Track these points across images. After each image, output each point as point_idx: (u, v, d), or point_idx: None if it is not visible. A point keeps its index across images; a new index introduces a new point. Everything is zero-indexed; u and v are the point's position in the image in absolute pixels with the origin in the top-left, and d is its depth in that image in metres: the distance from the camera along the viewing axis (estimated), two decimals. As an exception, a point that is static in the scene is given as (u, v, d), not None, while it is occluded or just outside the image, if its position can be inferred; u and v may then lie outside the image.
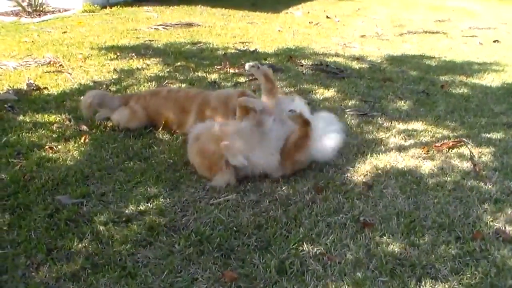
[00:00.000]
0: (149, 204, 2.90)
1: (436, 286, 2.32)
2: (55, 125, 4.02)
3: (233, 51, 7.34)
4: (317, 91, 5.35)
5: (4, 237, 2.56)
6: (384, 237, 2.68)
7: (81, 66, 5.82)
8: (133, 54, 6.46)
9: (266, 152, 3.14)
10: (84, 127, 3.98)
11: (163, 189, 3.08)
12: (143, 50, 6.85)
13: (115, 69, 5.75)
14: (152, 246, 2.53)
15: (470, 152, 3.71)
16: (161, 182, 3.17)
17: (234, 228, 2.69)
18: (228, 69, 6.00)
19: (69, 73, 5.47)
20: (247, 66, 3.61)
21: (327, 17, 11.60)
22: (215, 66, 6.13)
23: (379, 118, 4.49)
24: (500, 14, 14.14)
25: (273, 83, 3.56)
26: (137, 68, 5.86)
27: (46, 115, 4.21)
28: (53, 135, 3.83)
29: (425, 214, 2.90)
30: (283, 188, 3.14)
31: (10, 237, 2.55)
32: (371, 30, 10.18)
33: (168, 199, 2.97)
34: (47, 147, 3.60)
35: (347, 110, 4.66)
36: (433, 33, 10.22)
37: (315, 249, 2.53)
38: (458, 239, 2.69)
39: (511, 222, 2.87)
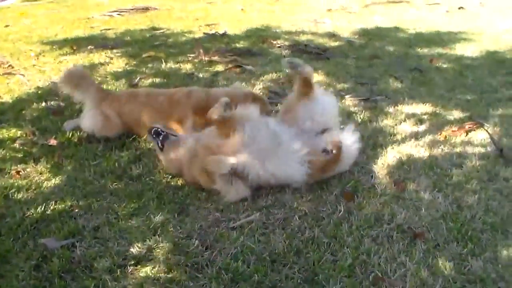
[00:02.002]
0: (157, 237, 2.38)
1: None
2: (17, 141, 3.38)
3: (200, 35, 6.76)
4: (305, 75, 4.91)
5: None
6: (439, 247, 2.33)
7: (34, 65, 5.07)
8: (92, 47, 5.75)
9: (284, 161, 2.67)
10: (53, 141, 3.36)
11: (169, 214, 2.56)
12: (101, 41, 6.13)
13: (75, 66, 5.03)
14: (176, 294, 2.05)
15: (490, 135, 3.43)
16: (164, 205, 2.65)
17: (269, 258, 2.24)
18: (203, 58, 5.43)
19: (22, 75, 4.72)
20: (285, 62, 3.05)
21: (289, -10, 11.15)
22: (188, 55, 5.55)
23: (382, 103, 4.14)
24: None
25: (312, 87, 2.96)
26: (100, 63, 5.18)
27: (3, 130, 3.53)
28: (17, 155, 3.20)
29: (472, 214, 2.58)
30: (309, 198, 2.71)
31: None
32: (335, 3, 9.87)
33: (179, 228, 2.46)
34: (12, 172, 2.98)
35: (346, 96, 4.27)
36: (396, 2, 10.06)
37: (371, 274, 2.14)
38: (517, 240, 2.38)
39: None
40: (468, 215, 2.58)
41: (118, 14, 7.96)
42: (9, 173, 2.97)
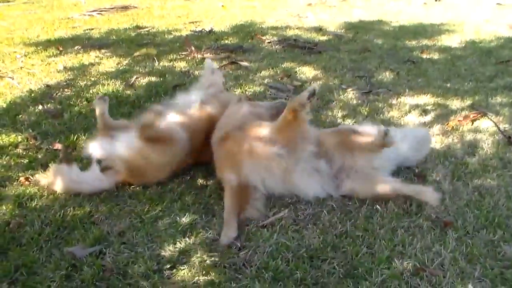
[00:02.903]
0: (187, 239, 2.32)
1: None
2: (19, 147, 3.22)
3: (187, 33, 6.65)
4: (302, 70, 4.92)
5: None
6: (469, 235, 2.36)
7: (22, 68, 4.86)
8: (79, 47, 5.56)
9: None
10: (58, 146, 3.23)
11: (195, 215, 2.50)
12: (87, 41, 5.95)
13: (64, 67, 4.87)
14: (221, 297, 1.99)
15: (496, 124, 3.50)
16: (188, 207, 2.58)
17: (306, 255, 2.21)
18: (195, 55, 5.34)
19: (10, 78, 4.52)
20: (381, 131, 2.59)
21: (262, -14, 11.12)
22: (179, 53, 5.44)
23: (385, 95, 4.17)
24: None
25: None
26: (90, 63, 5.02)
27: (2, 136, 3.37)
28: (22, 161, 3.06)
29: (494, 201, 2.62)
30: (333, 193, 2.69)
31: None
32: (313, -3, 9.87)
33: (208, 229, 2.40)
34: (21, 179, 2.83)
35: (349, 90, 4.28)
36: (372, -6, 10.14)
37: (409, 265, 2.14)
38: (544, 224, 2.44)
39: None
40: (491, 202, 2.61)
41: (98, 14, 7.75)
42: (17, 180, 2.83)
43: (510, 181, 2.81)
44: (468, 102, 4.01)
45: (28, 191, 2.71)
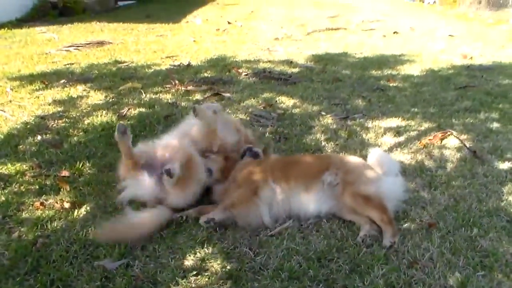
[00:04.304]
0: (206, 249, 2.55)
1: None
2: (27, 175, 3.36)
3: (167, 67, 6.94)
4: (281, 99, 5.30)
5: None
6: (451, 233, 2.72)
7: (11, 101, 4.98)
8: (64, 81, 5.73)
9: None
10: (66, 173, 3.40)
11: (210, 229, 2.74)
12: (70, 76, 6.12)
13: (54, 100, 5.03)
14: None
15: (461, 141, 3.98)
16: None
17: (314, 256, 2.50)
18: (179, 88, 5.63)
19: (2, 111, 4.63)
20: None
21: (229, 22, 11.65)
22: (164, 86, 5.72)
23: (361, 120, 4.59)
24: (377, 7, 15.59)
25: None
26: (78, 96, 5.21)
27: (8, 165, 3.49)
28: (33, 188, 3.20)
29: (468, 205, 3.02)
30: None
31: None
32: (279, 32, 10.44)
33: (223, 240, 2.65)
34: (36, 204, 2.98)
35: (327, 116, 4.68)
36: (335, 29, 10.85)
37: (403, 260, 2.48)
38: (510, 222, 2.84)
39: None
40: (465, 206, 3.02)
41: (75, 49, 7.93)
42: (32, 205, 2.97)
43: (479, 188, 3.24)
44: (435, 123, 4.49)
45: (45, 214, 2.86)
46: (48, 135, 4.09)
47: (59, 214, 2.87)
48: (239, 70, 6.71)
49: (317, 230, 2.75)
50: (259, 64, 7.24)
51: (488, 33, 10.41)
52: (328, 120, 4.61)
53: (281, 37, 9.97)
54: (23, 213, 2.89)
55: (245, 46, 8.85)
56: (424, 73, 6.58)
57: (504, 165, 3.59)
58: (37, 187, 3.21)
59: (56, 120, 4.42)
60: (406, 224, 2.81)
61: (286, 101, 5.23)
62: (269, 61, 7.46)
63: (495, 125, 4.44)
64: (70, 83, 5.71)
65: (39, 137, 4.02)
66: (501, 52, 8.21)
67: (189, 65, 7.05)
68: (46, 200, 3.04)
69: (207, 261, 2.47)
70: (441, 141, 4.04)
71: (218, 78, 6.21)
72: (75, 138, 4.04)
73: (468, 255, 2.52)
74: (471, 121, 4.55)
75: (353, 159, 3.22)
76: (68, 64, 6.89)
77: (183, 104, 5.10)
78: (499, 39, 9.56)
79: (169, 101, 5.19)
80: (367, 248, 2.57)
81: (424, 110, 4.89)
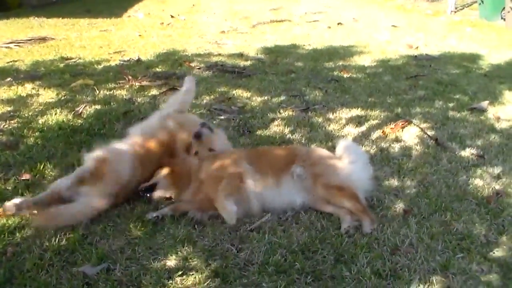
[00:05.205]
0: (187, 248, 2.45)
1: (496, 251, 2.53)
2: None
3: (116, 62, 6.64)
4: (238, 92, 5.21)
5: None
6: (426, 219, 2.80)
7: (-48, 101, 4.53)
8: (10, 79, 5.32)
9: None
10: (28, 176, 3.15)
11: (188, 227, 2.64)
12: (15, 73, 5.70)
13: (2, 99, 4.66)
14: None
15: (421, 129, 4.11)
16: (177, 220, 2.70)
17: (297, 249, 2.47)
18: (133, 83, 5.39)
19: None
20: None
21: (172, 16, 11.35)
22: (118, 82, 5.46)
23: (321, 111, 4.62)
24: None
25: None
26: (28, 95, 4.85)
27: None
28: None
29: (438, 191, 3.12)
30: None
31: None
32: (223, 25, 10.28)
33: (203, 237, 2.56)
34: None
35: (289, 108, 4.66)
36: (279, 21, 10.80)
37: (385, 247, 2.51)
38: (479, 205, 2.97)
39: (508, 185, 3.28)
40: (435, 192, 3.12)
41: (16, 46, 7.40)
42: (-14, 212, 2.71)
43: (446, 175, 3.36)
44: (393, 113, 4.61)
45: (11, 220, 2.63)
46: (1, 136, 3.77)
47: (26, 220, 2.64)
48: (191, 64, 6.55)
49: (296, 223, 2.72)
50: (210, 57, 7.10)
51: (428, 24, 10.89)
52: (289, 112, 4.59)
53: (227, 30, 9.79)
54: (-23, 222, 2.62)
55: (192, 40, 8.64)
56: (375, 63, 6.76)
57: (465, 152, 3.75)
58: (-12, 192, 2.93)
59: (7, 121, 4.10)
60: (382, 212, 2.85)
61: (243, 94, 5.15)
62: (220, 55, 7.33)
63: (451, 113, 4.64)
64: (17, 81, 5.31)
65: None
66: (444, 42, 8.62)
67: (139, 60, 6.78)
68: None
69: (190, 260, 2.37)
70: (402, 130, 4.16)
71: (171, 73, 6.02)
72: (31, 138, 3.76)
73: (446, 239, 2.60)
74: (427, 109, 4.72)
75: (319, 150, 3.23)
76: (11, 61, 6.43)
77: (139, 100, 4.89)
78: (440, 30, 10.03)
79: (125, 97, 4.96)
80: (349, 238, 2.58)
81: (381, 100, 5.02)
